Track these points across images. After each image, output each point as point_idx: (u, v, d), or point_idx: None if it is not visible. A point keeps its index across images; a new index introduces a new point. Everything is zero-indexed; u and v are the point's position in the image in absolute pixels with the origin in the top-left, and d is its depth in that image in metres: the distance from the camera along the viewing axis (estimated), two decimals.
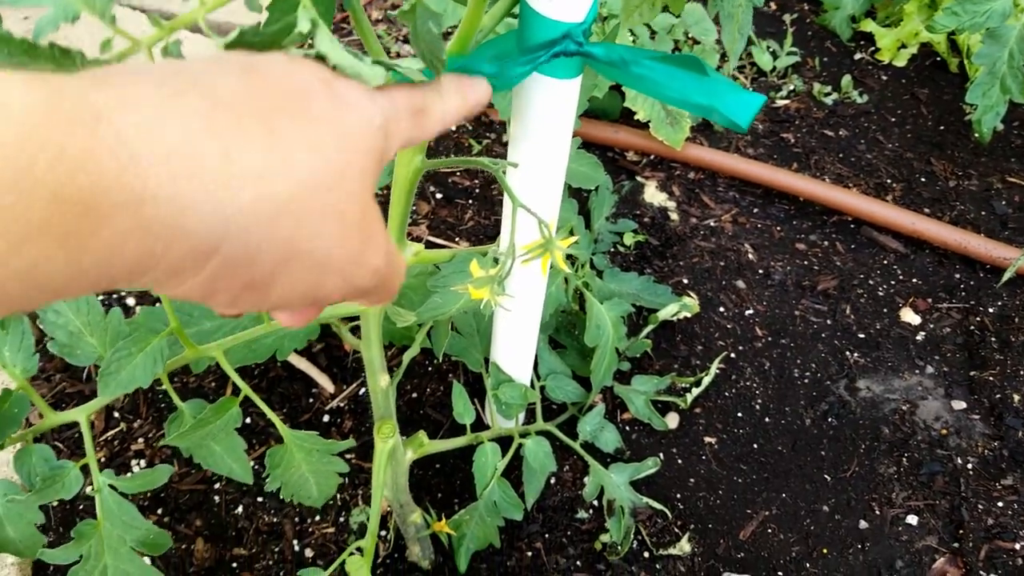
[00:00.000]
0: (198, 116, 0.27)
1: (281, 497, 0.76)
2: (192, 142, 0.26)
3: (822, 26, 1.82)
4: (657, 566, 1.04)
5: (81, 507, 1.04)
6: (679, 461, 1.13)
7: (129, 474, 0.89)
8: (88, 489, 1.00)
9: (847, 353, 1.26)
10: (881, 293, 1.34)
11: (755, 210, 1.46)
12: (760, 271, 1.37)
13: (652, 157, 1.55)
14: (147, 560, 0.81)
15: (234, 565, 1.01)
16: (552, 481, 1.10)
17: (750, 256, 1.39)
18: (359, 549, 0.84)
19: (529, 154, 0.69)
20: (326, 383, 1.17)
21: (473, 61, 0.57)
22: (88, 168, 0.24)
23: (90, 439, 0.70)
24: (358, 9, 0.49)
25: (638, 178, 1.51)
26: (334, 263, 0.33)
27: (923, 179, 1.52)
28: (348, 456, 1.08)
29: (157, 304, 0.87)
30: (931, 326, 1.30)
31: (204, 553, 1.01)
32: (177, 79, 0.28)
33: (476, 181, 1.47)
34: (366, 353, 0.81)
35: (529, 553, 1.04)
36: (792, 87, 1.68)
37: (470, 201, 1.44)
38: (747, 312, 1.31)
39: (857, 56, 1.76)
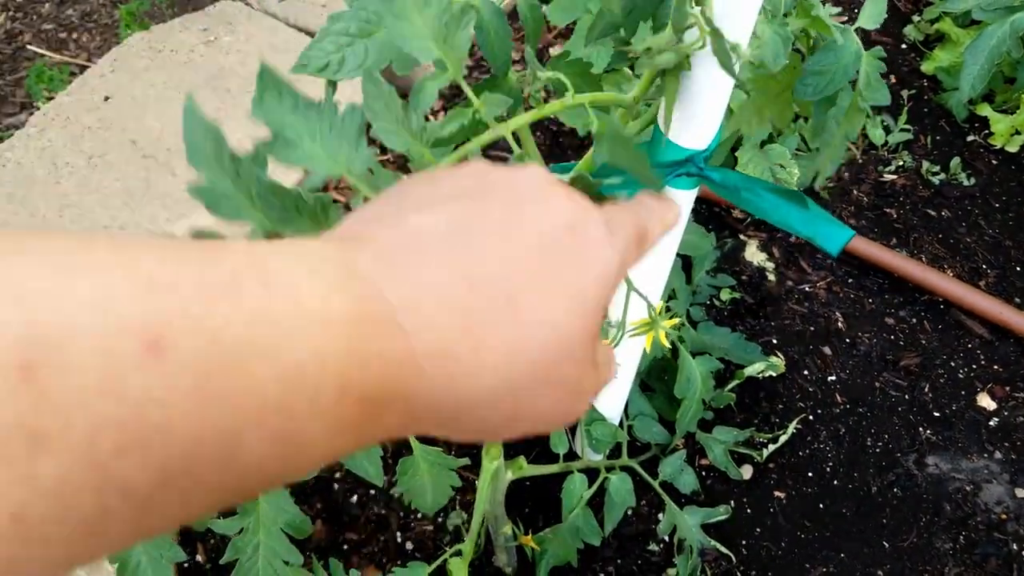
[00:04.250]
0: (457, 312, 0.28)
1: (403, 501, 0.90)
2: (450, 342, 0.27)
3: (939, 104, 1.87)
4: None
5: None
6: (748, 510, 1.24)
7: None
8: None
9: (920, 429, 1.34)
10: (961, 375, 1.41)
11: (850, 280, 1.55)
12: (847, 340, 1.45)
13: (757, 217, 1.64)
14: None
15: (345, 547, 1.16)
16: (628, 512, 1.22)
17: (839, 324, 1.47)
18: (459, 552, 0.98)
19: None
20: None
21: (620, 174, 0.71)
22: (387, 371, 0.26)
23: None
24: (528, 140, 0.62)
25: (741, 236, 1.61)
26: (559, 409, 0.32)
27: (1018, 268, 1.57)
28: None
29: None
30: (1005, 413, 1.36)
31: (322, 533, 1.17)
32: (445, 244, 0.29)
33: None
34: None
35: (602, 575, 1.16)
36: (901, 163, 1.75)
37: None
38: (829, 378, 1.40)
39: (970, 138, 1.82)
